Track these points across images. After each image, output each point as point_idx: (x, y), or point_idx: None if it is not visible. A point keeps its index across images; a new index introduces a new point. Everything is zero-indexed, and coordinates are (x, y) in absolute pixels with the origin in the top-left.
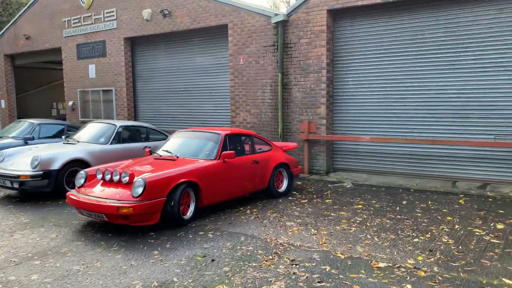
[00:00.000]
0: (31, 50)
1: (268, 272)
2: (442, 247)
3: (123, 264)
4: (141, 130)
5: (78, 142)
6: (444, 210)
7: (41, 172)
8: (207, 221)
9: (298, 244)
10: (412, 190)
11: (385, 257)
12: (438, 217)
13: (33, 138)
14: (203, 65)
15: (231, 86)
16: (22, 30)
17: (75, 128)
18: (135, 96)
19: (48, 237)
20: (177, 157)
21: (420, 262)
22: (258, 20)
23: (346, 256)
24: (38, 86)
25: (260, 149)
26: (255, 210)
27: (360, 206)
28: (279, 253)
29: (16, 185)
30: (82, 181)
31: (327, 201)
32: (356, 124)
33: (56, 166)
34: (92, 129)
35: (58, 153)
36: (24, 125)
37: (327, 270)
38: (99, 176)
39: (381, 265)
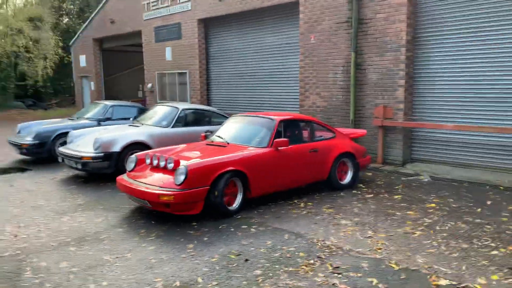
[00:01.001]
0: (116, 34)
1: (303, 280)
2: None
3: (153, 257)
4: (205, 113)
5: (142, 124)
6: None
7: (102, 154)
8: (255, 213)
9: (348, 248)
10: (501, 188)
11: (449, 272)
12: None
13: (105, 120)
14: (273, 46)
15: (301, 67)
16: (108, 15)
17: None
18: (208, 79)
19: (94, 222)
20: (228, 143)
21: (494, 282)
22: None
23: (401, 267)
24: (125, 69)
25: (322, 136)
26: (310, 203)
27: (433, 205)
28: (323, 257)
29: (79, 166)
30: (132, 165)
31: (396, 197)
32: (440, 109)
33: (116, 148)
34: (156, 112)
35: (119, 135)
36: (98, 107)
37: (374, 284)
38: (148, 161)
39: (442, 282)
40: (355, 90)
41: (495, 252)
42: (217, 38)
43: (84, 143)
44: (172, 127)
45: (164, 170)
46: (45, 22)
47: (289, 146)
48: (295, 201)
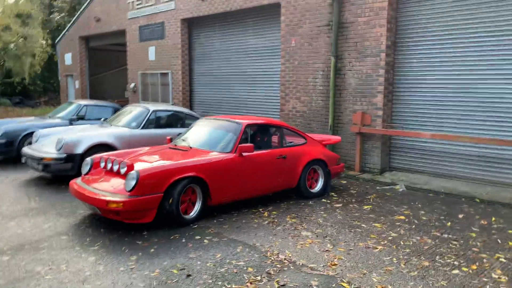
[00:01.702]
0: (101, 32)
1: None
2: (487, 286)
3: (89, 270)
4: (178, 115)
5: (111, 125)
6: (510, 231)
7: (65, 155)
8: (214, 222)
9: (301, 263)
10: (477, 201)
11: None
12: (498, 240)
13: (77, 119)
14: (255, 48)
15: (282, 70)
16: (94, 13)
17: None
18: (191, 80)
19: (40, 228)
20: (190, 147)
21: None
22: None
23: (352, 286)
24: (112, 68)
25: (292, 142)
26: (274, 212)
27: (402, 217)
28: (272, 273)
29: (40, 167)
30: (87, 168)
31: (366, 207)
32: (420, 117)
33: (80, 150)
34: (127, 113)
35: (83, 136)
36: (72, 106)
37: None
38: (102, 165)
39: None
40: (334, 95)
41: (456, 271)
42: (200, 38)
43: (48, 143)
44: (142, 128)
45: (118, 174)
46: (34, 19)
47: (256, 152)
48: (260, 209)
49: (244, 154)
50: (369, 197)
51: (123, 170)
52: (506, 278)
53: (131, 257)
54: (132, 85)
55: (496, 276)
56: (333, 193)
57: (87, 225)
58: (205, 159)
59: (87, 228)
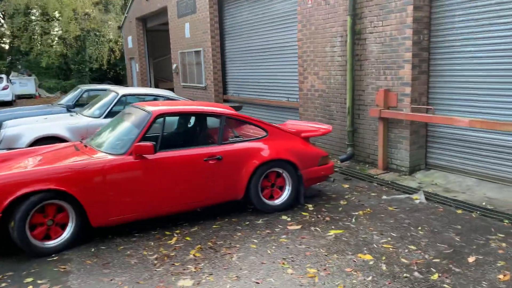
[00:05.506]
0: (151, 11)
1: None
2: None
3: None
4: (157, 100)
5: (78, 114)
6: None
7: (5, 150)
8: (90, 252)
9: None
10: None
11: None
12: None
13: (74, 106)
14: (279, 15)
15: (299, 39)
16: None
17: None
18: (223, 58)
19: None
20: (86, 146)
21: None
22: None
23: None
24: None
25: (240, 137)
26: (188, 238)
27: (368, 257)
28: None
29: None
30: None
31: (331, 233)
32: (467, 96)
33: (22, 144)
34: (98, 99)
35: (27, 128)
36: (75, 92)
37: None
38: None
39: None
40: (352, 68)
41: None
42: (231, 9)
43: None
44: (105, 117)
45: None
46: (113, 4)
47: (167, 153)
48: (175, 231)
49: (147, 156)
50: (356, 213)
51: None
52: None
53: None
54: (174, 65)
55: None
56: (309, 205)
57: None
58: (74, 165)
59: None
